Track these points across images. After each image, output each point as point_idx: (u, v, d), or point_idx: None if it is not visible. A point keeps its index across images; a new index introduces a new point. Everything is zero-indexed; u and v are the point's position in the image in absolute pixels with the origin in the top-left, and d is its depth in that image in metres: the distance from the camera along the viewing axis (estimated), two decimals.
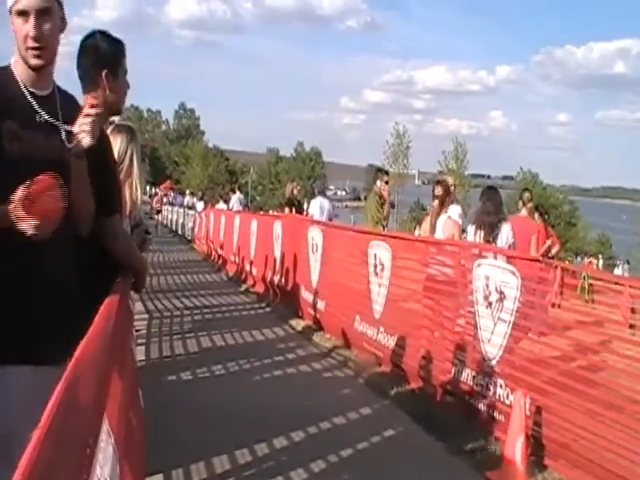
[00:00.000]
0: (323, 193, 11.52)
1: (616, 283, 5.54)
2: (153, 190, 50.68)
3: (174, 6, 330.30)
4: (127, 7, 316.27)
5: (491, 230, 6.56)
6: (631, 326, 4.68)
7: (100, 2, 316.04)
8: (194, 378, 6.05)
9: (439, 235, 6.70)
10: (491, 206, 6.74)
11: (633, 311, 5.16)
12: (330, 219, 10.95)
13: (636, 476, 3.73)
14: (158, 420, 4.80)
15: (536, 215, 10.35)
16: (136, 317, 7.24)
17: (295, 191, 12.98)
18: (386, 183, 8.65)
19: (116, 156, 3.44)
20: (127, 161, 3.73)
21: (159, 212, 32.45)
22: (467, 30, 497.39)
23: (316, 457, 4.34)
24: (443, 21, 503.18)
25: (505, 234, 6.59)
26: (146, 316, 8.72)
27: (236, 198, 19.40)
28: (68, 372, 1.43)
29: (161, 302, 10.23)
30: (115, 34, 2.78)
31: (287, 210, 12.39)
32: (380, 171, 8.63)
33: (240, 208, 18.46)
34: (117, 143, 3.66)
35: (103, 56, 2.69)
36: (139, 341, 7.21)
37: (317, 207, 10.77)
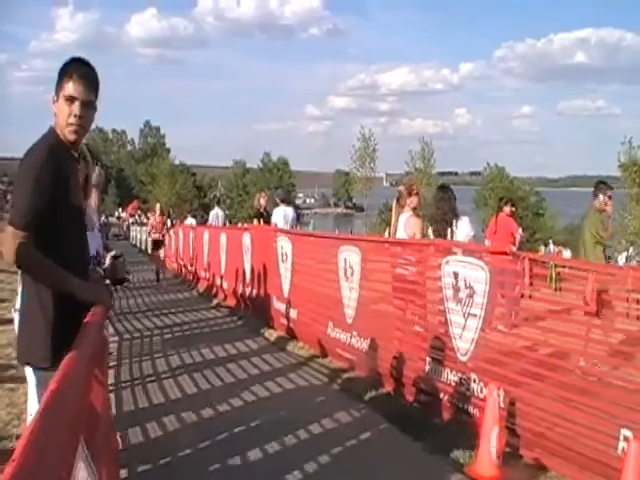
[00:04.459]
0: (286, 201, 11.32)
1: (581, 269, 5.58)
2: (121, 212, 50.23)
3: (135, 24, 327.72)
4: (87, 28, 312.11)
5: (444, 231, 6.63)
6: (597, 310, 4.71)
7: (59, 25, 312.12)
8: (166, 401, 5.91)
9: (402, 234, 6.71)
10: (439, 207, 6.82)
11: (599, 295, 5.19)
12: (292, 227, 10.81)
13: (613, 459, 3.74)
14: (135, 443, 4.74)
15: (507, 208, 10.45)
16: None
17: (262, 201, 12.83)
18: (609, 198, 7.51)
19: None
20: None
21: (161, 244, 17.91)
22: (429, 30, 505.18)
23: (294, 467, 4.28)
24: (404, 23, 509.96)
25: (464, 228, 6.63)
26: (116, 338, 8.55)
27: (214, 213, 17.41)
28: (43, 404, 1.41)
29: (131, 323, 10.07)
30: (76, 56, 2.86)
31: (256, 221, 12.27)
32: (603, 184, 7.83)
33: (220, 223, 16.79)
34: None
35: (58, 80, 2.77)
36: (111, 364, 7.09)
37: (280, 216, 10.61)
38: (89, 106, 2.77)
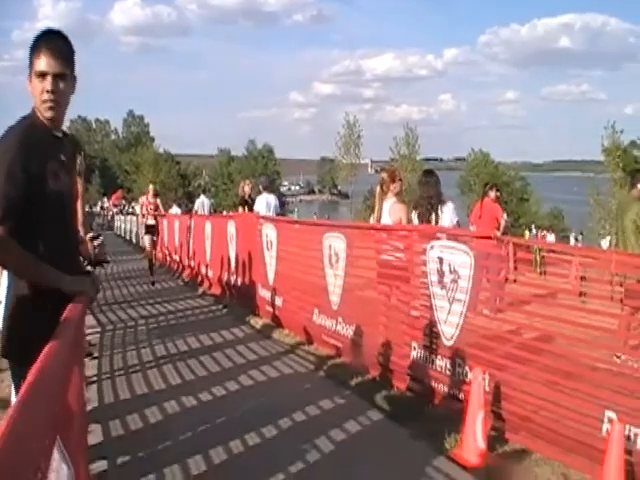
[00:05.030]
0: (269, 189, 11.23)
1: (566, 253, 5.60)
2: (105, 201, 49.89)
3: (118, 12, 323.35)
4: (69, 16, 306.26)
5: (429, 215, 6.63)
6: (581, 294, 4.72)
7: (41, 13, 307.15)
8: (149, 391, 5.85)
9: (386, 220, 6.69)
10: (424, 191, 6.82)
11: (583, 279, 5.22)
12: (277, 214, 10.79)
13: (597, 441, 3.76)
14: (120, 435, 4.70)
15: (492, 193, 10.50)
16: (88, 331, 7.06)
17: (247, 189, 12.76)
18: None
19: None
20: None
21: (154, 230, 15.22)
22: (413, 16, 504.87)
23: (278, 455, 4.27)
24: (388, 9, 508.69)
25: (448, 214, 6.62)
26: (99, 329, 8.47)
27: (200, 201, 17.13)
28: (22, 395, 1.40)
29: (115, 313, 9.98)
30: (46, 28, 2.72)
31: (241, 209, 12.21)
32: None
33: (206, 212, 16.37)
34: None
35: (30, 54, 2.62)
36: (95, 354, 7.05)
37: (263, 204, 10.56)
38: (63, 79, 2.60)
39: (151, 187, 16.28)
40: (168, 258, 18.19)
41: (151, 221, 15.03)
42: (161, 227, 17.16)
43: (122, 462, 4.19)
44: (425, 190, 6.88)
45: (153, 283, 13.75)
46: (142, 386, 5.97)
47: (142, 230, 17.42)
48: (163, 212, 15.81)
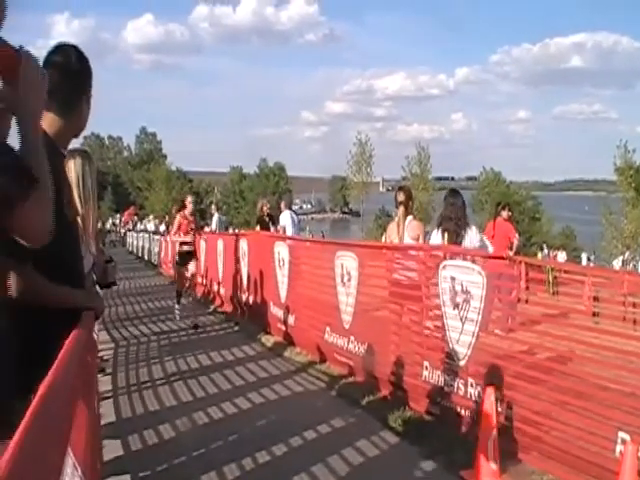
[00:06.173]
0: (291, 207, 11.95)
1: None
2: (118, 217, 50.16)
3: (130, 30, 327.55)
4: (83, 34, 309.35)
5: (456, 236, 6.62)
6: (594, 314, 4.73)
7: (55, 31, 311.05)
8: (161, 408, 5.89)
9: (405, 238, 6.71)
10: (452, 211, 6.80)
11: (596, 299, 5.22)
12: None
13: (608, 461, 3.74)
14: (131, 452, 4.72)
15: (504, 213, 10.52)
16: (101, 346, 7.11)
17: (265, 208, 12.94)
18: None
19: (73, 180, 3.41)
20: (84, 185, 3.66)
21: (192, 257, 11.44)
22: (424, 35, 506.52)
23: (289, 473, 4.27)
24: (400, 28, 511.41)
25: (470, 238, 6.62)
26: (112, 345, 8.54)
27: (216, 219, 17.22)
28: (33, 407, 1.38)
29: (127, 329, 10.07)
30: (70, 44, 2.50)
31: (258, 228, 12.34)
32: None
33: (221, 230, 16.27)
34: (71, 168, 3.62)
35: (86, 79, 2.46)
36: (108, 370, 7.10)
37: (289, 220, 11.22)
38: None
39: (189, 199, 11.63)
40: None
41: (188, 246, 11.22)
42: (172, 244, 14.78)
43: (143, 476, 4.24)
44: (452, 210, 6.82)
45: (196, 327, 10.22)
46: (154, 403, 6.01)
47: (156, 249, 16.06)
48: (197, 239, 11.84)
